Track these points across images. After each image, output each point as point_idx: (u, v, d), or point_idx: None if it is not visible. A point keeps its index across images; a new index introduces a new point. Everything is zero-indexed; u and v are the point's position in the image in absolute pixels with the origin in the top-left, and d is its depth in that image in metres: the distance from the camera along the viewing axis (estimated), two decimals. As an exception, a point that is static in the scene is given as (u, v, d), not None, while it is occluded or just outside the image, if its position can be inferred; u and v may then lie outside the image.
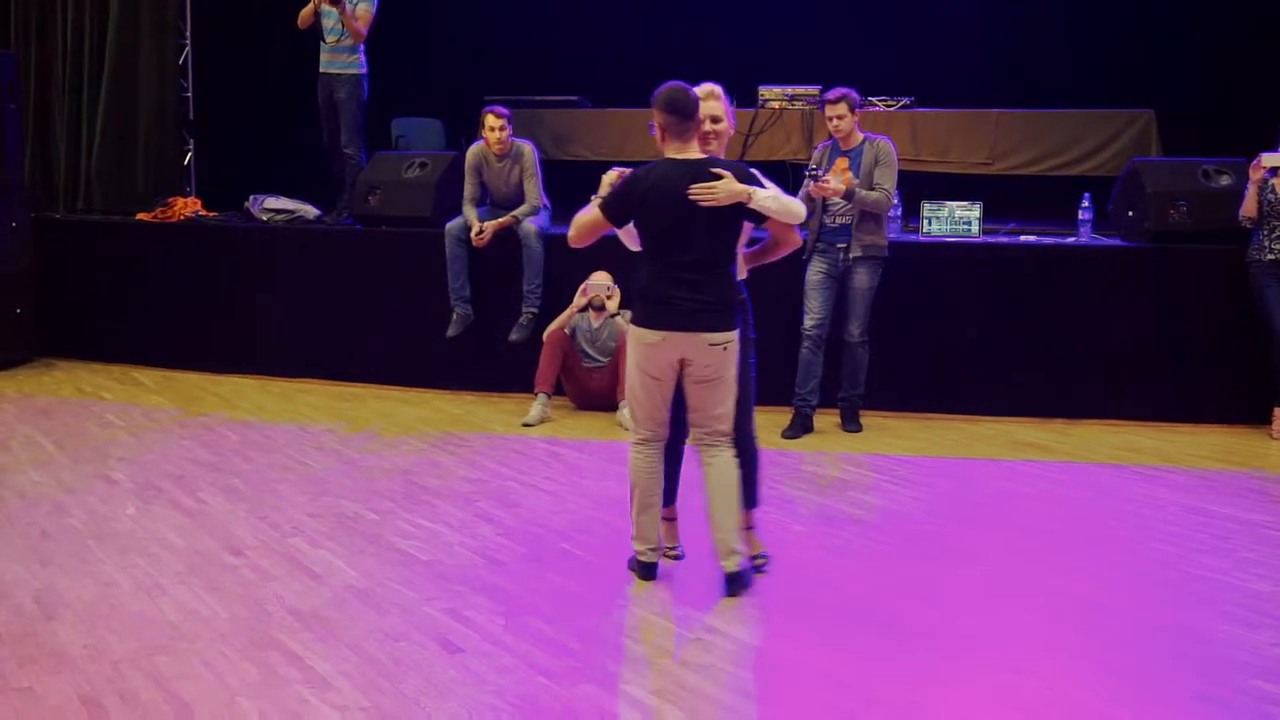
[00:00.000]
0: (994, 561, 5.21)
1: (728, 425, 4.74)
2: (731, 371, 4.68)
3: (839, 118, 7.23)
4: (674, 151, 4.65)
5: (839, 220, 7.29)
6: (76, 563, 5.10)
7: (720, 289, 4.63)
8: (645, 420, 4.80)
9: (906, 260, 7.86)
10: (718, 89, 4.85)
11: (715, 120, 4.80)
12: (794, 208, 4.68)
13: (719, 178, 4.54)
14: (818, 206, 7.23)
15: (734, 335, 4.65)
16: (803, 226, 5.03)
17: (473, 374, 8.60)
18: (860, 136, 7.30)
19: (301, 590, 4.81)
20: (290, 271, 9.07)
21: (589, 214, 4.77)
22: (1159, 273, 7.74)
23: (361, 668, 4.09)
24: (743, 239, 4.81)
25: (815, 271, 7.32)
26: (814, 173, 7.17)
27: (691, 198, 4.52)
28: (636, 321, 4.71)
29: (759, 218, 4.65)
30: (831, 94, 7.27)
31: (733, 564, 4.77)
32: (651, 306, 4.66)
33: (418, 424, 7.72)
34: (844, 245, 7.28)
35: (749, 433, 4.94)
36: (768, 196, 4.60)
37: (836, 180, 7.02)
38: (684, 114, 4.60)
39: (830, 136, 7.41)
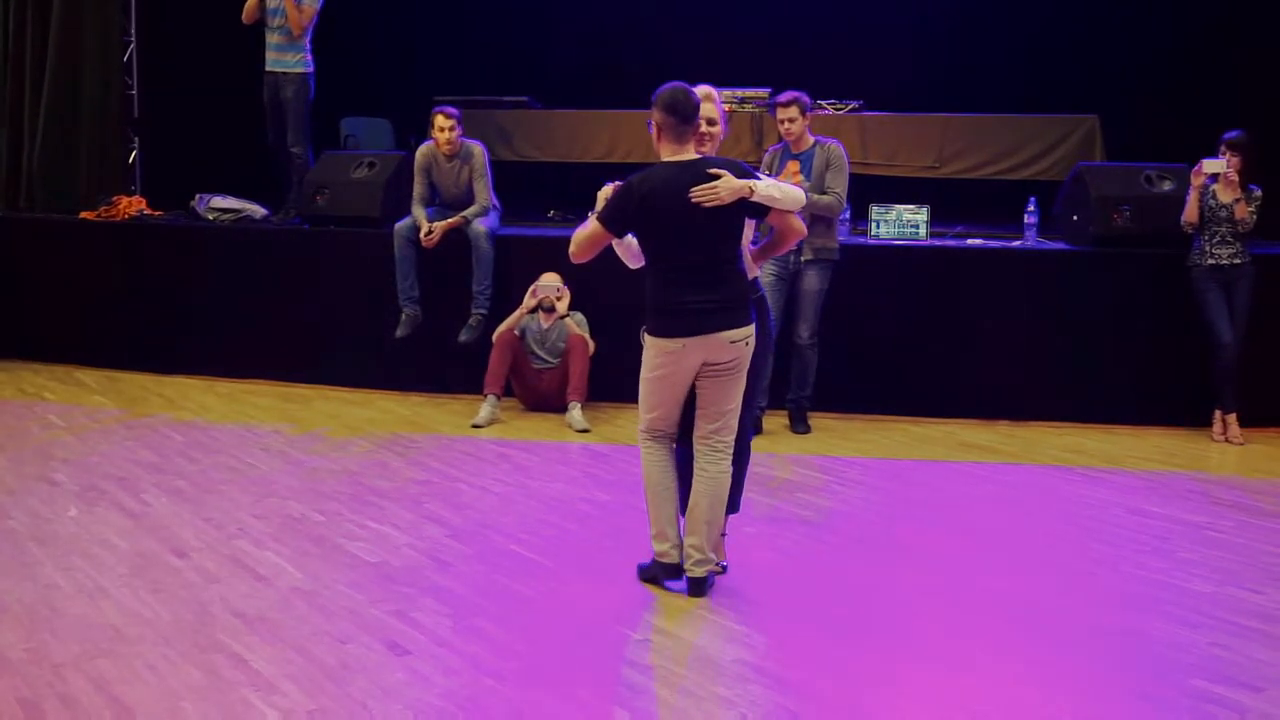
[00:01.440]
0: (939, 562, 5.25)
1: (734, 424, 4.73)
2: (747, 367, 4.67)
3: (790, 120, 7.26)
4: (669, 154, 4.60)
5: None
6: (17, 565, 5.02)
7: (731, 285, 4.60)
8: (655, 420, 4.76)
9: (854, 263, 7.91)
10: (714, 91, 4.82)
11: (710, 123, 4.78)
12: (796, 194, 4.66)
13: (717, 177, 4.49)
14: None
15: (751, 330, 4.62)
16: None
17: (421, 375, 8.57)
18: (811, 140, 7.34)
19: (246, 592, 4.77)
20: (237, 271, 8.99)
21: (588, 227, 4.68)
22: (1103, 276, 7.84)
23: (307, 670, 4.06)
24: (748, 235, 4.79)
25: (766, 274, 7.34)
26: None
27: (694, 200, 4.47)
28: (653, 332, 4.65)
29: (761, 211, 4.62)
30: (783, 97, 7.30)
31: (702, 570, 4.76)
32: (667, 315, 4.60)
33: (365, 425, 7.68)
34: (795, 248, 7.31)
35: (748, 430, 4.94)
36: (770, 186, 4.57)
37: None
38: (684, 116, 4.55)
39: (781, 140, 7.44)
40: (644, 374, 4.73)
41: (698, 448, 4.75)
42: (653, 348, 4.66)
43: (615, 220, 4.63)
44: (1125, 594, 4.88)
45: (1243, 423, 7.44)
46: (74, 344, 9.43)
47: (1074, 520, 5.87)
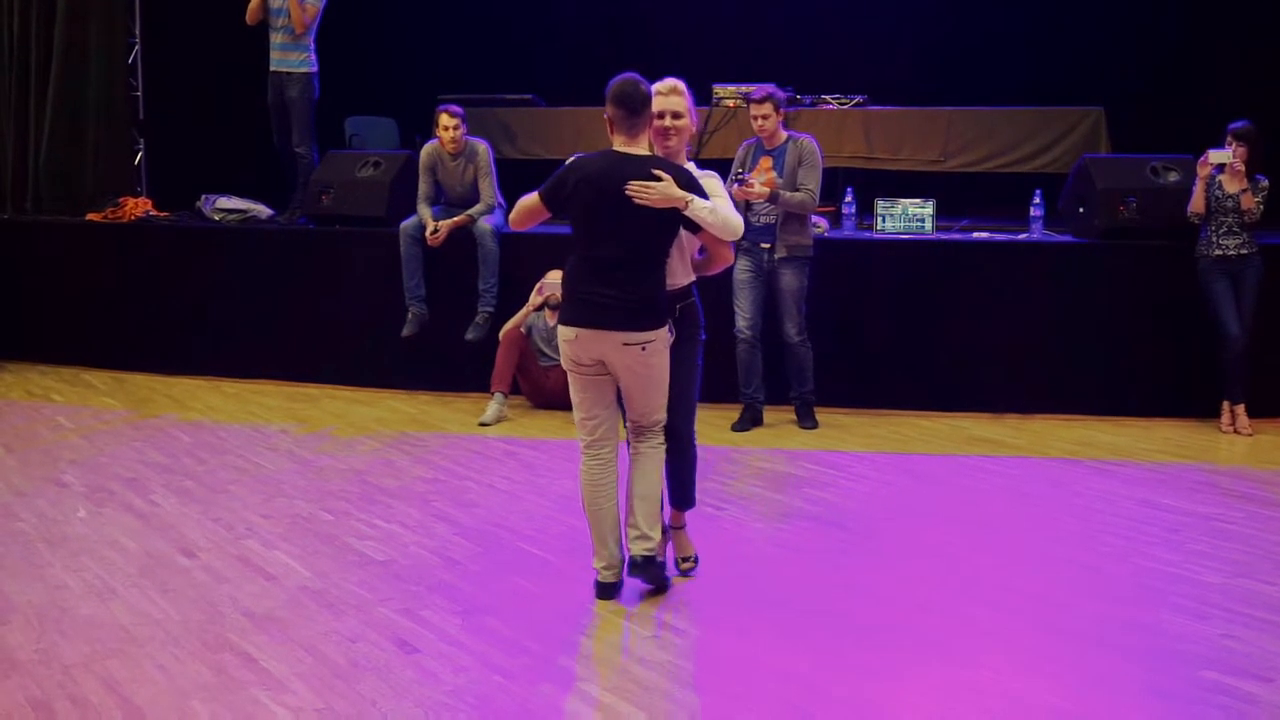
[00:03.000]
0: (948, 556, 5.24)
1: (659, 417, 4.68)
2: (658, 370, 4.57)
3: (764, 117, 7.21)
4: (620, 145, 4.54)
5: (763, 220, 7.29)
6: (26, 566, 5.03)
7: (642, 287, 4.49)
8: (580, 423, 4.71)
9: (860, 257, 7.92)
10: (680, 84, 4.70)
11: (676, 116, 4.65)
12: (732, 223, 4.54)
13: (659, 179, 4.42)
14: (741, 206, 7.21)
15: (655, 334, 4.51)
16: None
17: (428, 374, 8.57)
18: (784, 135, 7.30)
19: (255, 592, 4.77)
20: (243, 272, 9.00)
21: (530, 198, 4.67)
22: (1109, 268, 7.82)
23: (316, 669, 4.07)
24: (691, 248, 4.71)
25: (741, 270, 7.30)
26: (739, 175, 7.14)
27: (628, 192, 4.40)
28: (559, 317, 4.66)
29: (693, 227, 4.53)
30: (756, 93, 7.25)
31: (639, 549, 4.65)
32: (570, 302, 4.58)
33: (373, 424, 7.68)
34: (768, 245, 7.27)
35: (689, 433, 4.85)
36: (705, 208, 4.45)
37: (760, 183, 7.01)
38: (630, 109, 4.48)
39: (754, 135, 7.40)
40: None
41: (629, 437, 4.74)
42: (559, 334, 4.65)
43: (552, 197, 4.61)
44: (1135, 586, 4.87)
45: (1251, 414, 7.42)
46: (81, 345, 9.46)
47: (1083, 513, 5.86)
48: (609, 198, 4.45)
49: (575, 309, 4.55)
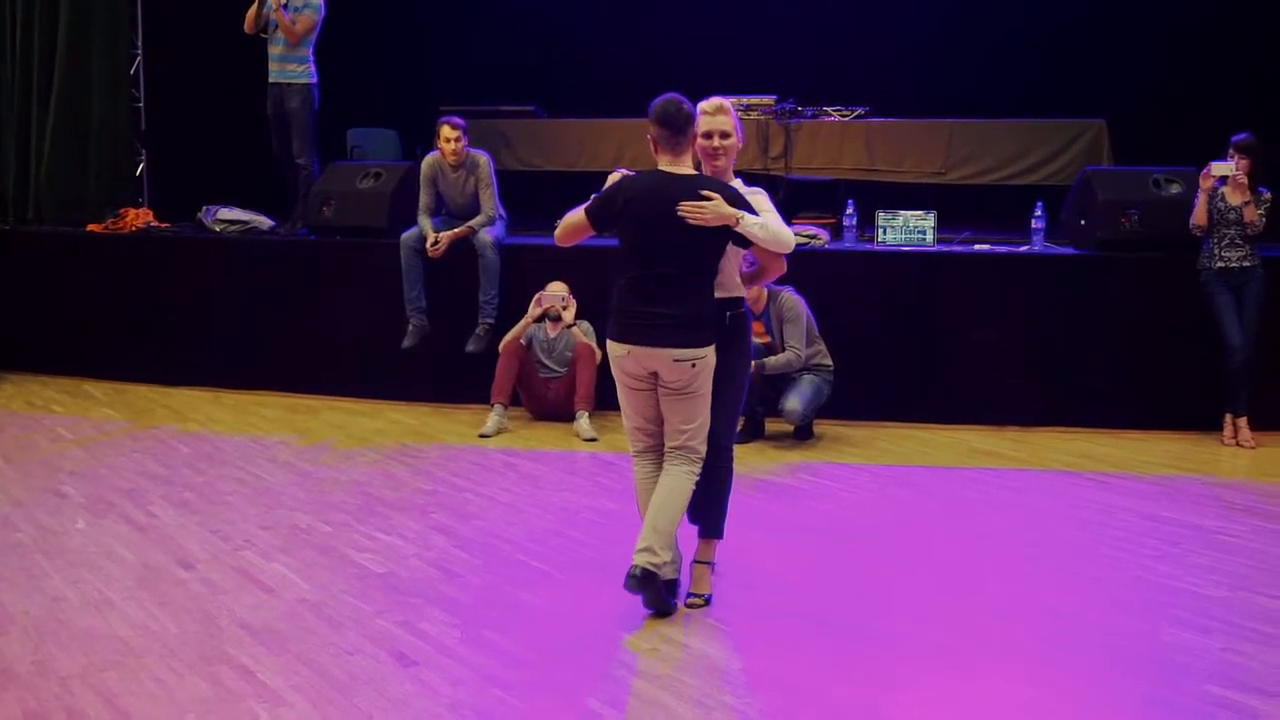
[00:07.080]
0: (949, 568, 5.22)
1: (696, 442, 4.63)
2: (703, 388, 4.57)
3: (754, 300, 7.15)
4: (665, 164, 4.58)
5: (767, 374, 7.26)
6: (24, 577, 5.02)
7: (690, 304, 4.52)
8: (630, 432, 4.77)
9: (861, 270, 7.90)
10: (726, 103, 4.69)
11: (725, 136, 4.64)
12: (784, 237, 4.55)
13: (709, 198, 4.43)
14: None
15: (705, 352, 4.52)
16: None
17: (428, 385, 8.56)
18: (765, 295, 7.26)
19: (253, 604, 4.76)
20: (243, 283, 8.99)
21: (575, 215, 4.69)
22: (1111, 281, 7.80)
23: (314, 681, 4.05)
24: (737, 261, 4.71)
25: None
26: None
27: (680, 213, 4.41)
28: (607, 333, 4.66)
29: (745, 242, 4.54)
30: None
31: (641, 560, 4.52)
32: (619, 319, 4.60)
33: (373, 436, 7.66)
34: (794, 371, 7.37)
35: (726, 452, 4.79)
36: (756, 224, 4.47)
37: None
38: (674, 128, 4.52)
39: None
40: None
41: (665, 457, 4.70)
42: (608, 349, 4.67)
43: (598, 215, 4.64)
44: (1137, 599, 4.85)
45: (1253, 426, 7.40)
46: (81, 357, 9.44)
47: (1084, 525, 5.84)
48: (659, 217, 4.47)
49: (625, 327, 4.57)
